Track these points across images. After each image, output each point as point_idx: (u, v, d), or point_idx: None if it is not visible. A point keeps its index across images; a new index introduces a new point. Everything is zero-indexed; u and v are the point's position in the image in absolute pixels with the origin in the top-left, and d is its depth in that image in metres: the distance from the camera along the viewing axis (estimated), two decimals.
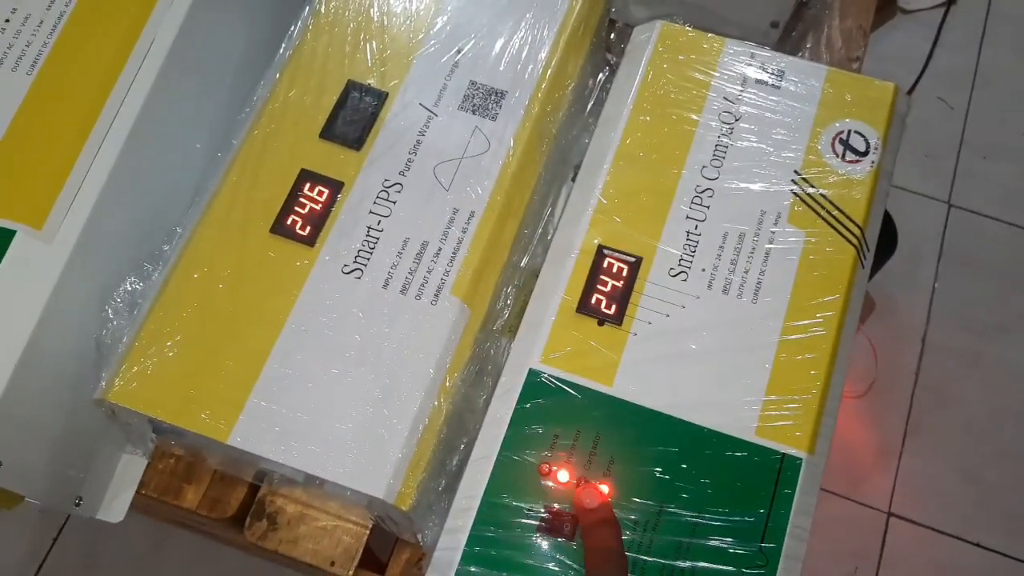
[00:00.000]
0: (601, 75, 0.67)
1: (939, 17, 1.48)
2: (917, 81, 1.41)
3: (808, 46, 0.83)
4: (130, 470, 0.59)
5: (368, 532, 0.58)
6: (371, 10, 0.60)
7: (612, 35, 0.71)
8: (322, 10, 0.60)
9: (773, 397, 0.50)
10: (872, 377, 1.23)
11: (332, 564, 0.57)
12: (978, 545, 1.18)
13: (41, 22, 0.54)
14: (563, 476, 0.48)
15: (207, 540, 0.81)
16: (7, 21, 0.54)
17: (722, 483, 0.48)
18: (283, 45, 0.59)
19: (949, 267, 1.31)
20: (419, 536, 0.52)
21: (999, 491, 1.20)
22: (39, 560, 1.14)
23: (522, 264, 0.58)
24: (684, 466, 0.49)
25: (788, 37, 0.79)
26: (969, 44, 1.48)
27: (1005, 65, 1.47)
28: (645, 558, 0.47)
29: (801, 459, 0.49)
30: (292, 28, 0.60)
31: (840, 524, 1.17)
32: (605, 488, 0.48)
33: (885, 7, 1.49)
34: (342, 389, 0.50)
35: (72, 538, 1.15)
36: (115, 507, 0.59)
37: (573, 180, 0.61)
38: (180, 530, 0.78)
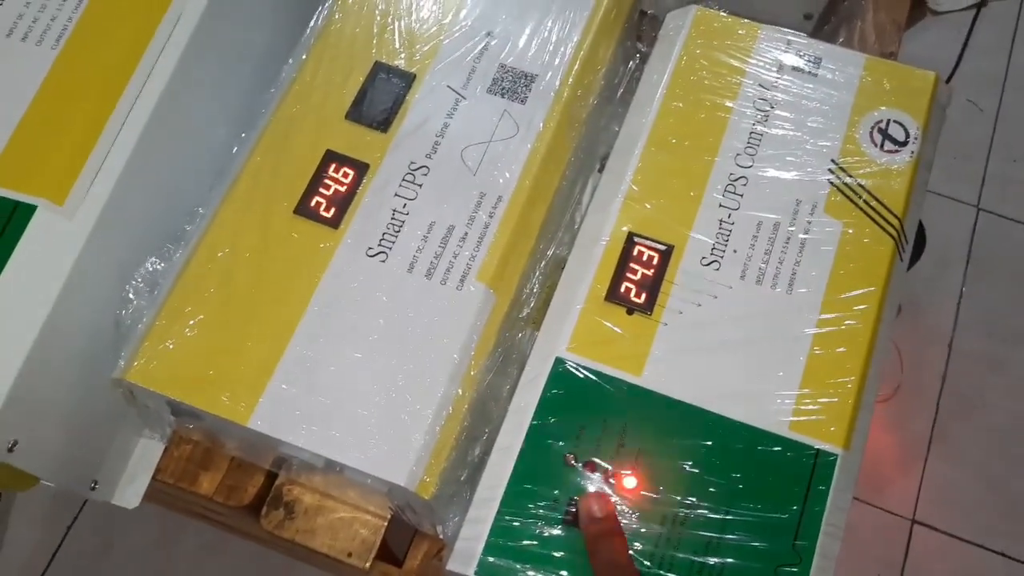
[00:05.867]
0: (631, 63, 0.65)
1: (970, 19, 1.46)
2: (947, 82, 1.39)
3: (841, 39, 0.81)
4: (147, 455, 0.58)
5: (386, 524, 0.56)
6: None
7: (643, 25, 0.70)
8: None
9: (807, 391, 0.49)
10: (898, 381, 1.21)
11: (349, 555, 0.56)
12: (1003, 554, 1.16)
13: None
14: (589, 468, 0.47)
15: (221, 532, 0.80)
16: None
17: (754, 478, 0.47)
18: (310, 25, 0.58)
19: (977, 271, 1.29)
20: (439, 528, 0.51)
21: None
22: (52, 549, 1.13)
23: (549, 253, 0.57)
24: (715, 460, 0.47)
25: (821, 30, 0.77)
26: (1000, 47, 1.45)
27: None
28: (674, 554, 0.45)
29: (836, 455, 0.47)
30: (320, 8, 0.59)
31: (863, 530, 1.15)
32: (633, 481, 0.47)
33: (915, 8, 1.47)
34: (365, 374, 0.49)
35: (86, 525, 1.14)
36: (130, 493, 0.58)
37: (600, 171, 0.59)
38: (194, 521, 0.78)
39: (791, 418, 0.48)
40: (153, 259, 0.53)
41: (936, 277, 1.27)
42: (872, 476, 1.18)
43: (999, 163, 1.36)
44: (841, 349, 0.50)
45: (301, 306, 0.50)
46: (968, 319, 1.26)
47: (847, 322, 0.51)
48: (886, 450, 1.19)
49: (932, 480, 1.18)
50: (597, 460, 0.47)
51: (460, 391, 0.49)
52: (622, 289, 0.51)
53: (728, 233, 0.53)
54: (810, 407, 0.48)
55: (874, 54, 0.82)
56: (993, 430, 1.21)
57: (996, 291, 1.28)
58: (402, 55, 0.57)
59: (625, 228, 0.53)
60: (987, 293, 1.27)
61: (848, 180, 0.54)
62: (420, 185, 0.54)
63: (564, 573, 0.45)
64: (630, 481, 0.47)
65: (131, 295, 0.52)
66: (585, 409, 0.49)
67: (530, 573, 0.45)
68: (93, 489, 0.56)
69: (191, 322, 0.49)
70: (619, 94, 0.65)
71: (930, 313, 1.25)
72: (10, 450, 0.47)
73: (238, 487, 0.59)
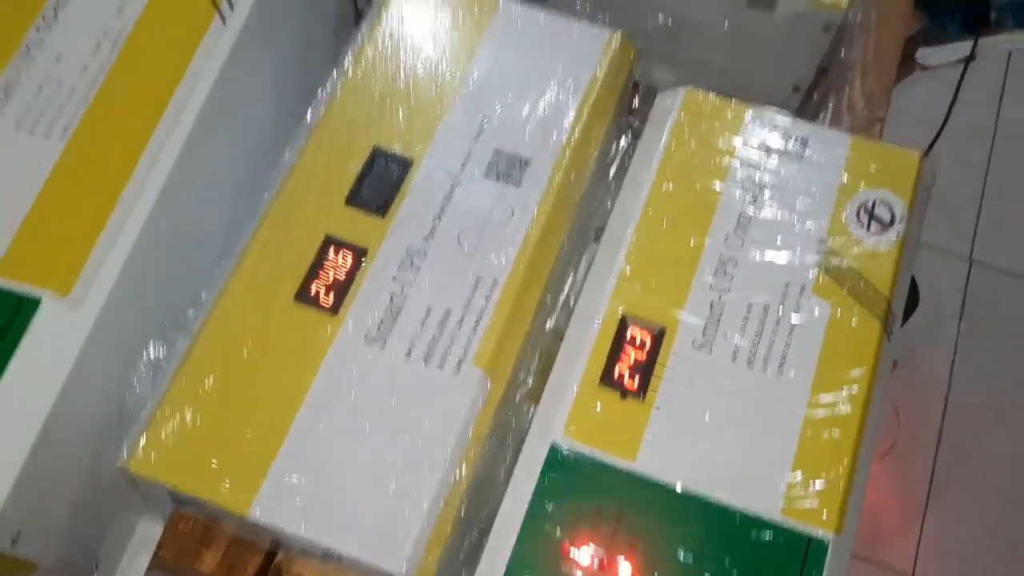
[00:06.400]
0: (624, 139, 0.67)
1: (958, 73, 1.48)
2: (937, 137, 1.40)
3: (830, 107, 0.83)
4: (147, 534, 0.59)
5: None
6: (398, 76, 0.61)
7: (636, 98, 0.72)
8: (350, 75, 0.61)
9: (799, 475, 0.50)
10: (894, 436, 1.21)
11: None
12: None
13: (75, 88, 0.55)
14: (585, 555, 0.48)
15: None
16: (40, 88, 0.55)
17: (747, 566, 0.47)
18: (311, 110, 0.60)
19: (971, 324, 1.30)
20: None
21: None
22: None
23: (548, 327, 0.58)
24: (708, 547, 0.48)
25: (810, 100, 0.79)
26: (989, 101, 1.48)
27: None
28: None
29: (828, 541, 0.48)
30: (320, 91, 0.61)
31: None
32: (628, 568, 0.47)
33: (904, 63, 1.49)
34: (363, 461, 0.49)
35: None
36: (131, 573, 0.58)
37: (596, 241, 0.60)
38: None
39: (783, 503, 0.49)
40: (157, 344, 0.54)
41: (930, 331, 1.28)
42: (871, 532, 1.18)
43: (990, 216, 1.38)
44: (832, 432, 0.51)
45: (300, 394, 0.51)
46: (963, 372, 1.26)
47: (837, 405, 0.51)
48: (885, 505, 1.19)
49: (931, 534, 1.18)
50: (593, 546, 0.48)
51: (457, 477, 0.50)
52: (616, 373, 0.52)
53: (719, 315, 0.54)
54: (802, 492, 0.49)
55: (863, 121, 0.84)
56: (992, 483, 1.21)
57: (990, 343, 1.29)
58: (401, 140, 0.59)
59: (618, 309, 0.54)
60: (981, 346, 1.28)
61: (836, 261, 0.55)
62: (418, 269, 0.55)
63: None
64: (625, 568, 0.47)
65: (134, 382, 0.53)
66: (581, 495, 0.49)
67: None
68: (95, 570, 0.56)
69: (192, 411, 0.50)
70: (613, 170, 0.66)
71: (925, 367, 1.26)
72: (14, 542, 0.47)
73: (238, 565, 0.59)
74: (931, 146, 1.41)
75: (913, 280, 1.03)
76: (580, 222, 0.61)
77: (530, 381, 0.56)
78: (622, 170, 0.64)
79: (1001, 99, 1.48)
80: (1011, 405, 1.26)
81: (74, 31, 0.57)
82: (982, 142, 1.43)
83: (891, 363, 0.55)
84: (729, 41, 0.72)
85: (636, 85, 0.71)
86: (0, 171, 0.53)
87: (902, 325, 0.98)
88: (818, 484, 0.49)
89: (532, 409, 0.54)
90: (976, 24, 1.53)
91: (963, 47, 1.52)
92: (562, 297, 0.60)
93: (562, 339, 0.56)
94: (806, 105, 0.79)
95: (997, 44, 1.53)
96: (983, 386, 1.26)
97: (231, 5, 0.59)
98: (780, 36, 0.70)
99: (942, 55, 1.51)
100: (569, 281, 0.62)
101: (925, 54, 1.50)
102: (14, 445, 0.48)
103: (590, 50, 0.62)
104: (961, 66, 1.50)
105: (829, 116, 0.83)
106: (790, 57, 0.72)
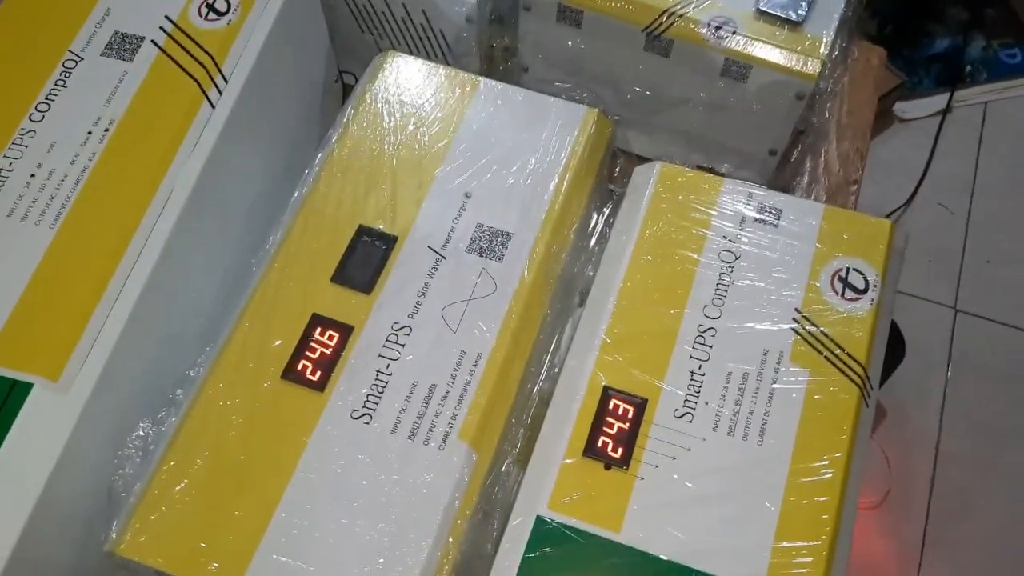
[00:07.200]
0: (606, 209, 0.69)
1: (936, 125, 1.52)
2: (917, 187, 1.44)
3: (807, 170, 0.85)
4: None
5: None
6: (383, 154, 0.63)
7: (618, 164, 0.74)
8: (335, 154, 0.63)
9: (783, 544, 0.50)
10: (887, 487, 1.21)
11: None
12: None
13: (65, 176, 0.57)
14: None
15: None
16: (32, 176, 0.57)
17: None
18: (297, 190, 0.61)
19: (959, 372, 1.31)
20: None
21: None
22: None
23: (533, 391, 0.59)
24: None
25: (787, 163, 0.81)
26: (967, 150, 1.51)
27: (1003, 170, 1.50)
28: None
29: None
30: (307, 172, 0.63)
31: None
32: None
33: (883, 116, 1.53)
34: (350, 539, 0.50)
35: None
36: None
37: (581, 305, 0.62)
38: None
39: (768, 572, 0.49)
40: (145, 424, 0.55)
41: (918, 380, 1.29)
42: None
43: (973, 264, 1.40)
44: (814, 498, 0.52)
45: (288, 472, 0.52)
46: (953, 420, 1.27)
47: (818, 472, 0.52)
48: (879, 557, 1.19)
49: None
50: None
51: (443, 553, 0.50)
52: (599, 444, 0.53)
53: (700, 385, 0.55)
54: (785, 561, 0.50)
55: (839, 183, 0.86)
56: (986, 531, 1.21)
57: (979, 391, 1.30)
58: (385, 218, 0.60)
59: (600, 381, 0.55)
60: (970, 394, 1.29)
61: (812, 329, 0.57)
62: (403, 345, 0.56)
63: None
64: None
65: (123, 463, 0.53)
66: (567, 568, 0.50)
67: None
68: None
69: (180, 492, 0.51)
70: (594, 238, 0.67)
71: (915, 416, 1.27)
72: None
73: None
74: (912, 195, 1.45)
75: (899, 330, 1.04)
76: (563, 290, 0.62)
77: (517, 446, 0.57)
78: (603, 238, 0.65)
79: (979, 149, 1.51)
80: (1002, 452, 1.27)
81: (66, 120, 0.59)
82: (962, 191, 1.46)
83: (870, 427, 0.56)
84: (705, 110, 0.75)
85: (616, 152, 0.73)
86: None
87: (889, 376, 0.99)
88: (802, 551, 0.50)
89: (520, 475, 0.55)
90: (951, 78, 1.58)
91: (940, 100, 1.56)
92: (546, 361, 0.61)
93: (548, 403, 0.57)
94: (784, 168, 0.81)
95: (973, 96, 1.57)
96: (973, 434, 1.27)
97: (219, 90, 0.61)
98: (754, 105, 0.72)
99: (920, 108, 1.55)
100: (553, 345, 0.63)
101: (903, 108, 1.54)
102: (5, 527, 0.48)
103: (569, 126, 0.64)
104: (939, 118, 1.54)
105: (806, 178, 0.85)
106: (765, 124, 0.74)
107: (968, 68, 1.59)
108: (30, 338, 0.52)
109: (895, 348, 1.11)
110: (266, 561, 0.49)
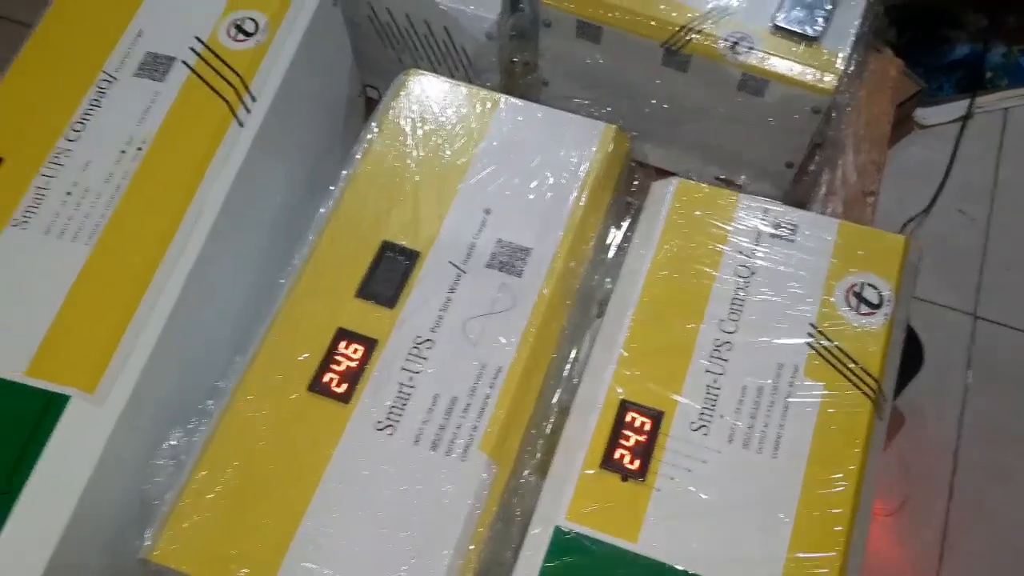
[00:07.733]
0: (624, 222, 0.70)
1: (956, 131, 1.52)
2: (937, 193, 1.44)
3: (824, 182, 0.86)
4: None
5: None
6: (405, 172, 0.64)
7: (635, 178, 0.75)
8: (359, 170, 0.64)
9: (798, 555, 0.51)
10: (904, 494, 1.22)
11: None
12: None
13: (99, 195, 0.59)
14: None
15: None
16: (68, 194, 0.59)
17: None
18: (322, 206, 0.63)
19: (978, 380, 1.31)
20: None
21: None
22: None
23: (553, 402, 0.60)
24: None
25: (805, 174, 0.82)
26: (987, 156, 1.50)
27: (1023, 177, 1.49)
28: None
29: None
30: (332, 188, 0.64)
31: None
32: None
33: (903, 123, 1.53)
34: (374, 548, 0.51)
35: None
36: None
37: (599, 316, 0.63)
38: None
39: None
40: (177, 433, 0.57)
41: (937, 387, 1.29)
42: None
43: (993, 270, 1.40)
44: (828, 511, 0.53)
45: (314, 482, 0.53)
46: (972, 427, 1.27)
47: (833, 485, 0.53)
48: (896, 565, 1.19)
49: None
50: None
51: (464, 561, 0.52)
52: (616, 455, 0.54)
53: (715, 398, 0.56)
54: (799, 572, 0.51)
55: (856, 194, 0.86)
56: (1005, 538, 1.21)
57: (998, 398, 1.30)
58: (408, 233, 0.62)
59: (618, 394, 0.57)
60: (989, 401, 1.29)
61: (826, 343, 0.58)
62: (425, 358, 0.58)
63: None
64: None
65: (156, 472, 0.55)
66: None
67: None
68: None
69: (211, 501, 0.53)
70: (612, 251, 0.69)
71: (933, 423, 1.27)
72: None
73: None
74: (932, 201, 1.45)
75: (918, 338, 1.05)
76: (581, 303, 0.64)
77: (536, 456, 0.58)
78: (621, 250, 0.66)
79: (999, 155, 1.51)
80: (1021, 459, 1.26)
81: (100, 139, 0.61)
82: (982, 197, 1.46)
83: (884, 438, 0.57)
84: (722, 123, 0.76)
85: (634, 164, 0.74)
86: (30, 275, 0.56)
87: (907, 383, 1.00)
88: (817, 562, 0.51)
89: (539, 484, 0.56)
90: (972, 84, 1.57)
91: (960, 106, 1.56)
92: (565, 372, 0.63)
93: (567, 413, 0.58)
94: (801, 180, 0.82)
95: (993, 102, 1.57)
96: (992, 441, 1.27)
97: (248, 109, 0.63)
98: (771, 119, 0.73)
99: (940, 114, 1.55)
100: (572, 357, 0.64)
101: (923, 114, 1.54)
102: (45, 533, 0.50)
103: (587, 142, 0.65)
104: (959, 124, 1.54)
105: (824, 190, 0.86)
106: (782, 137, 0.75)
107: (989, 74, 1.58)
108: (67, 352, 0.54)
109: (913, 356, 1.11)
110: (293, 568, 0.51)
